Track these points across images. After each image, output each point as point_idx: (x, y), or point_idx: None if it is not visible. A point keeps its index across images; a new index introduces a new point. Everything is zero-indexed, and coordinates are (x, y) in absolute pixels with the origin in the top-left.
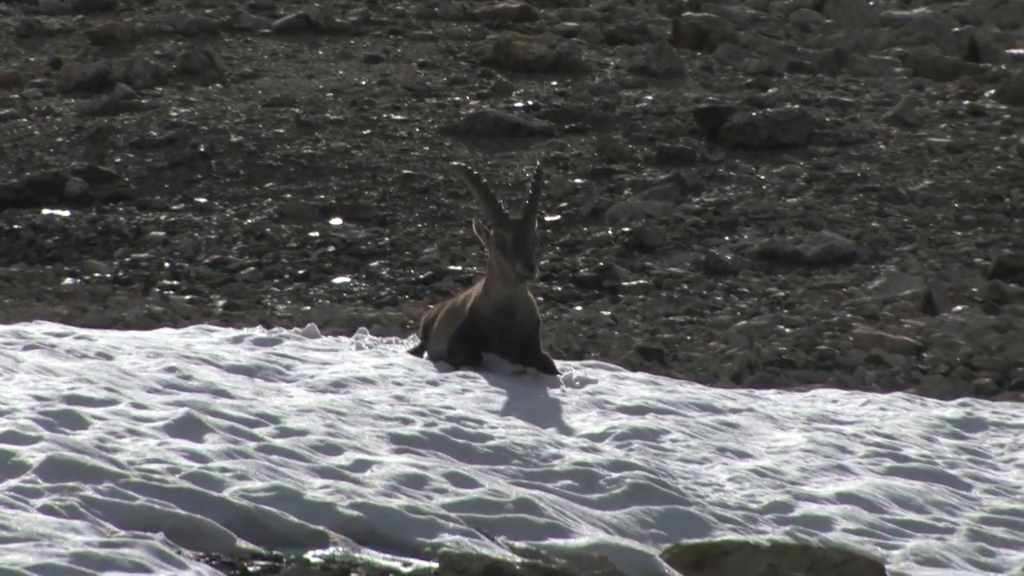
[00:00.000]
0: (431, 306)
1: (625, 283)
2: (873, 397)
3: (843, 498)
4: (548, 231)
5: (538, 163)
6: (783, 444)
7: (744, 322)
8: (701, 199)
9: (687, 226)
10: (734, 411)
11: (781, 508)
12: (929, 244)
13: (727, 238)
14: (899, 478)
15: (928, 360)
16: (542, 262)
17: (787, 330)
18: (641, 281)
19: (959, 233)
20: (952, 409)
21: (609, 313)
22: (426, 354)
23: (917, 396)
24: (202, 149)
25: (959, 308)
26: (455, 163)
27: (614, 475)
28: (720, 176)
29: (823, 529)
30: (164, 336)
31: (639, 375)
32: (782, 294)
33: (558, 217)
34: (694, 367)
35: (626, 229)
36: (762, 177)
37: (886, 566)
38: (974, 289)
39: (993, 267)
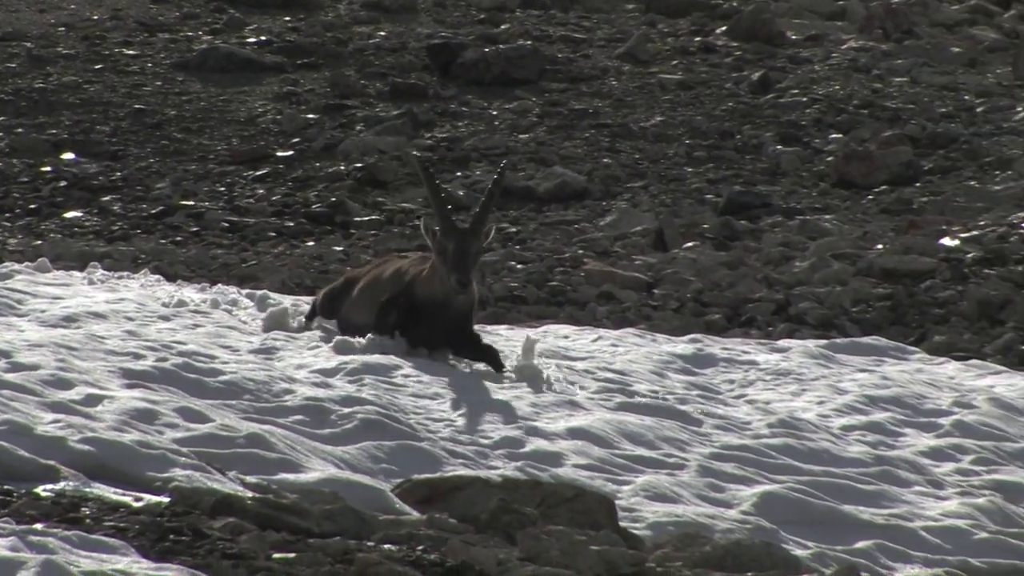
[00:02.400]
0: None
1: (357, 218)
2: (604, 333)
3: (574, 434)
4: (280, 167)
5: (502, 165)
6: (515, 379)
7: None
8: (433, 135)
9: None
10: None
11: (512, 444)
12: (660, 180)
13: (459, 174)
14: (630, 414)
15: (659, 296)
16: (494, 258)
17: (519, 266)
18: (373, 216)
19: (690, 170)
20: (683, 345)
21: (341, 248)
22: (319, 321)
23: (648, 332)
24: None
25: (690, 244)
26: (413, 153)
27: (345, 410)
28: (452, 112)
29: (554, 465)
30: None
31: None
32: (514, 230)
33: (290, 153)
34: None
35: (358, 165)
36: (494, 113)
37: (616, 501)
38: (705, 225)
39: (724, 204)
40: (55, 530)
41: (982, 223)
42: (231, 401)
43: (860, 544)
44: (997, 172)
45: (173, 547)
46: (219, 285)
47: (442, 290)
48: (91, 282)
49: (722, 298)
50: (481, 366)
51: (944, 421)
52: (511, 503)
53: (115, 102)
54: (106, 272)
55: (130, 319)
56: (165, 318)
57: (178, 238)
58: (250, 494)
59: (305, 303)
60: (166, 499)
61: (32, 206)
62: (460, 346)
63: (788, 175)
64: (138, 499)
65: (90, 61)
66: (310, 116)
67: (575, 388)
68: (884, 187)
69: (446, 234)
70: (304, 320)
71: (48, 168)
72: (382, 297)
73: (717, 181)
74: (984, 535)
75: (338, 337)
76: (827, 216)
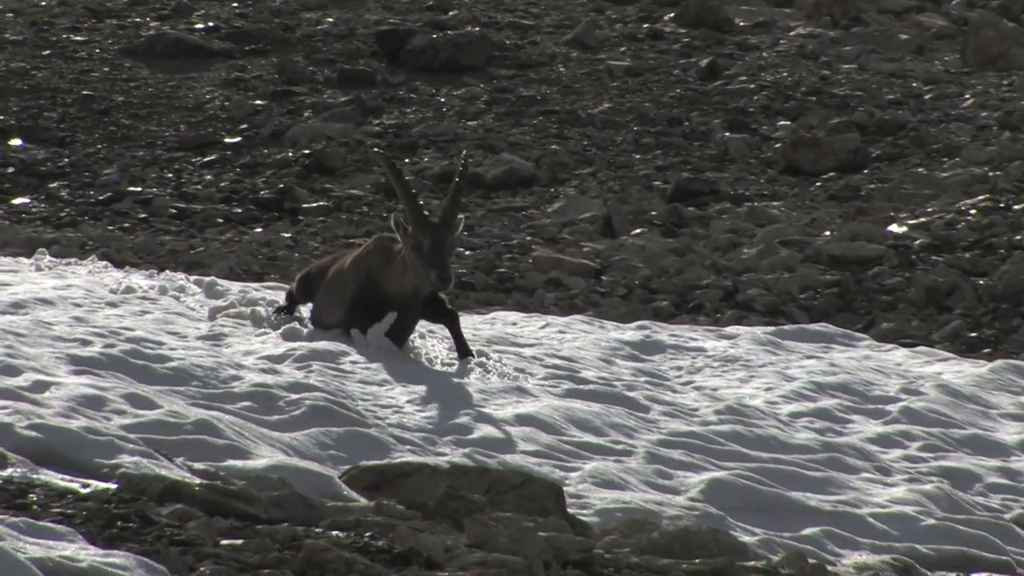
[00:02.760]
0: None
1: (305, 205)
2: (552, 320)
3: (522, 420)
4: (228, 153)
5: (464, 153)
6: (463, 367)
7: None
8: (382, 121)
9: (367, 148)
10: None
11: (460, 430)
12: (608, 167)
13: (407, 160)
14: (577, 400)
15: (607, 283)
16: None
17: (467, 252)
18: (321, 203)
19: (638, 156)
20: (630, 332)
21: (289, 235)
22: (303, 311)
23: (596, 319)
24: None
25: (638, 231)
26: (376, 151)
27: (293, 397)
28: (401, 99)
29: (502, 451)
30: None
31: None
32: (462, 216)
33: (238, 139)
34: None
35: (307, 151)
36: (442, 100)
37: (564, 488)
38: (653, 212)
39: (672, 190)
40: (2, 516)
41: (930, 210)
42: (179, 387)
43: (808, 531)
44: (945, 159)
45: (121, 534)
46: (167, 272)
47: (414, 284)
48: (39, 268)
49: (670, 285)
50: (442, 365)
51: (892, 408)
52: (459, 490)
53: (63, 88)
54: (54, 259)
55: (78, 305)
56: (113, 304)
57: (126, 224)
58: (198, 480)
59: (254, 289)
60: (114, 486)
61: None
62: (432, 319)
63: (736, 162)
64: (86, 485)
65: (38, 47)
66: (258, 102)
67: (523, 375)
68: (832, 174)
69: (420, 230)
70: (278, 313)
71: None
72: (346, 292)
73: (665, 168)
74: (932, 522)
75: (286, 325)
76: (775, 203)
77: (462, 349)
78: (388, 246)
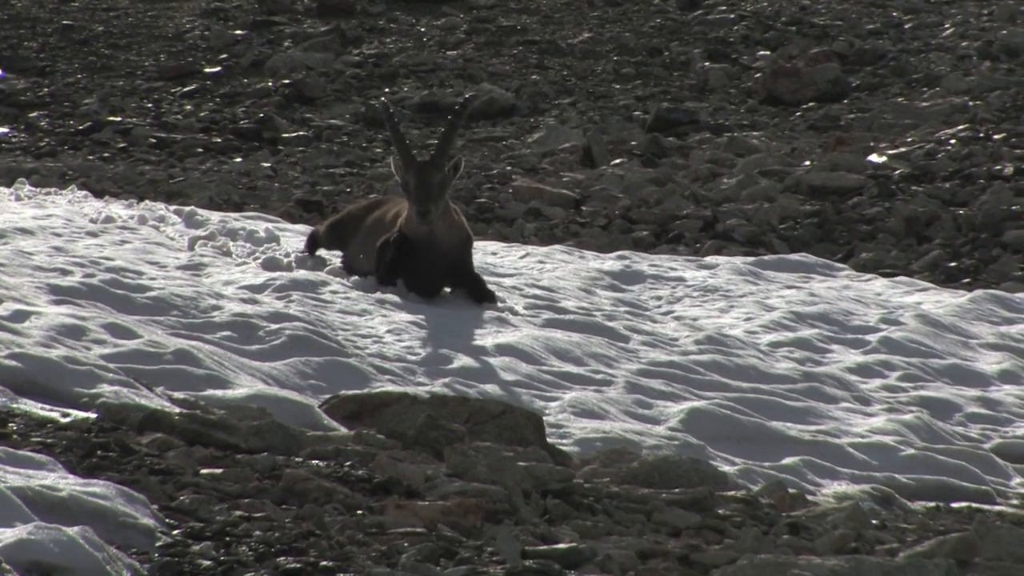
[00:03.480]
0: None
1: (285, 135)
2: (532, 250)
3: (501, 350)
4: (208, 83)
5: (466, 96)
6: (449, 298)
7: None
8: (361, 51)
9: (347, 78)
10: None
11: (440, 360)
12: (588, 97)
13: (387, 90)
14: (558, 330)
15: (587, 213)
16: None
17: None
18: (301, 133)
19: (618, 87)
20: (610, 262)
21: (269, 165)
22: (323, 252)
23: (576, 248)
24: None
25: (618, 161)
26: (380, 100)
27: (273, 326)
28: (380, 28)
29: (482, 381)
30: None
31: (299, 227)
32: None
33: (218, 69)
34: None
35: (286, 81)
36: (422, 29)
37: (544, 417)
38: (633, 142)
39: (651, 120)
40: None
41: (909, 140)
42: (159, 317)
43: (787, 460)
44: (925, 89)
45: (100, 463)
46: (146, 201)
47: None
48: (18, 198)
49: (650, 215)
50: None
51: (871, 338)
52: (438, 419)
53: (43, 18)
54: (33, 188)
55: (57, 235)
56: (93, 234)
57: (105, 154)
58: (177, 410)
59: (233, 219)
60: (93, 415)
61: None
62: (457, 285)
63: (716, 92)
64: (65, 415)
65: None
66: (238, 32)
67: (504, 305)
68: (812, 104)
69: (407, 168)
70: (303, 252)
71: None
72: (377, 240)
73: (645, 98)
74: (911, 451)
75: (267, 255)
76: (755, 133)
77: (485, 295)
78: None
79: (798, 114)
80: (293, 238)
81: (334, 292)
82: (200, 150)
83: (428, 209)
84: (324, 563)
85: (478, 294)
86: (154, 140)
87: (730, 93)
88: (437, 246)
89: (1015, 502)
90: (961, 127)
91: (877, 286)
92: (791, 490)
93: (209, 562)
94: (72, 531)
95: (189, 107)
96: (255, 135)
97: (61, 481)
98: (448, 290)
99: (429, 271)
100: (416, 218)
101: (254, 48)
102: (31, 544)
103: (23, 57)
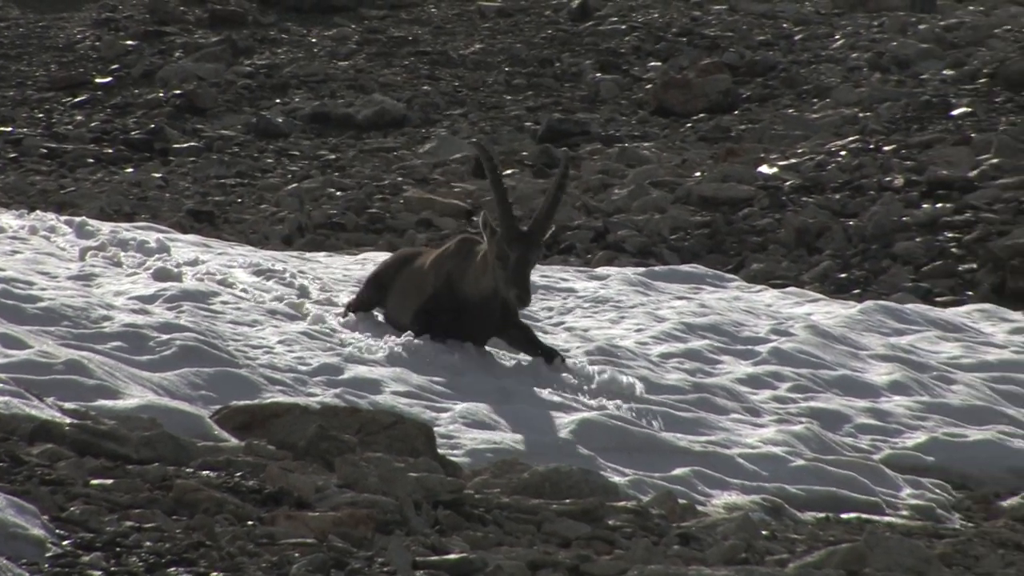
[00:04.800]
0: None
1: (176, 145)
2: None
3: (393, 361)
4: (99, 93)
5: (564, 157)
6: (337, 309)
7: (295, 185)
8: (253, 62)
9: (239, 89)
10: (280, 275)
11: (331, 371)
12: (480, 108)
13: (278, 101)
14: (449, 341)
15: (478, 223)
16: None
17: (338, 193)
18: (192, 143)
19: (509, 97)
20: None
21: (160, 175)
22: (377, 313)
23: None
24: None
25: (509, 172)
26: (475, 141)
27: (164, 337)
28: (272, 39)
29: (373, 392)
30: None
31: (190, 237)
32: (333, 157)
33: (109, 79)
34: (245, 229)
35: (178, 91)
36: (313, 40)
37: (435, 428)
38: (524, 153)
39: (543, 131)
40: None
41: (800, 151)
42: (49, 327)
43: (678, 471)
44: (815, 100)
45: None
46: (37, 212)
47: (491, 288)
48: None
49: None
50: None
51: (762, 349)
52: (329, 430)
53: None
54: None
55: None
56: None
57: None
58: (68, 420)
59: (124, 229)
60: None
61: None
62: (512, 339)
63: (607, 103)
64: None
65: None
66: (129, 43)
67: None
68: (703, 115)
69: (509, 240)
70: (345, 312)
71: None
72: (423, 291)
73: (536, 109)
74: (801, 462)
75: (158, 266)
76: (646, 144)
77: (546, 352)
78: (470, 247)
79: (689, 125)
80: (184, 248)
81: (225, 303)
82: (91, 160)
83: (530, 295)
84: (215, 574)
85: (531, 347)
86: (45, 150)
87: (621, 104)
88: (497, 304)
89: (904, 513)
90: (851, 138)
91: (767, 297)
92: (681, 501)
93: (100, 572)
94: None
95: (80, 117)
96: (146, 146)
97: None
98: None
99: (483, 326)
100: (516, 302)
101: (145, 58)
102: None
103: None
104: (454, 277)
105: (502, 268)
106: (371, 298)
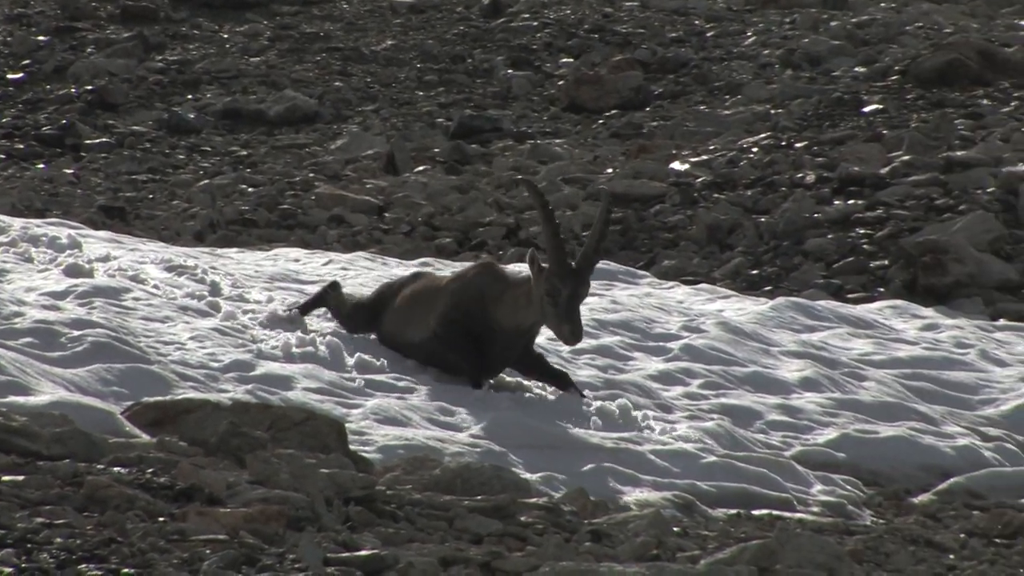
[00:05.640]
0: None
1: (88, 141)
2: (335, 256)
3: (304, 357)
4: (10, 89)
5: (606, 195)
6: (248, 305)
7: (207, 181)
8: (164, 57)
9: (150, 84)
10: (192, 271)
11: (242, 367)
12: (392, 104)
13: (190, 97)
14: (360, 337)
15: (390, 220)
16: None
17: (250, 189)
18: (104, 139)
19: (421, 93)
20: (413, 269)
21: (72, 171)
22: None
23: (379, 256)
24: None
25: (421, 168)
26: (522, 178)
27: (76, 333)
28: (183, 35)
29: (284, 388)
30: None
31: (102, 233)
32: (245, 153)
33: (20, 75)
34: (156, 225)
35: (89, 87)
36: (225, 36)
37: (346, 424)
38: (436, 149)
39: (455, 127)
40: None
41: (712, 148)
42: None
43: (589, 467)
44: (727, 97)
45: None
46: None
47: (531, 321)
48: None
49: (452, 222)
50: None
51: (673, 345)
52: (241, 426)
53: None
54: None
55: None
56: None
57: None
58: None
59: (35, 225)
60: None
61: None
62: (526, 367)
63: (519, 99)
64: None
65: None
66: (40, 38)
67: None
68: (615, 111)
69: (560, 276)
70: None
71: None
72: (439, 309)
73: (448, 105)
74: (712, 459)
75: (69, 262)
76: (558, 140)
77: (562, 379)
78: (500, 273)
79: (601, 122)
80: (95, 245)
81: (137, 299)
82: (2, 156)
83: (582, 331)
84: (126, 570)
85: (546, 374)
86: None
87: (533, 100)
88: (530, 333)
89: (815, 509)
90: (763, 135)
91: (679, 294)
92: (593, 497)
93: (10, 569)
94: None
95: None
96: (58, 141)
97: None
98: None
99: (505, 356)
100: (568, 338)
101: (57, 54)
102: None
103: None
104: (487, 301)
105: (552, 305)
106: (354, 327)
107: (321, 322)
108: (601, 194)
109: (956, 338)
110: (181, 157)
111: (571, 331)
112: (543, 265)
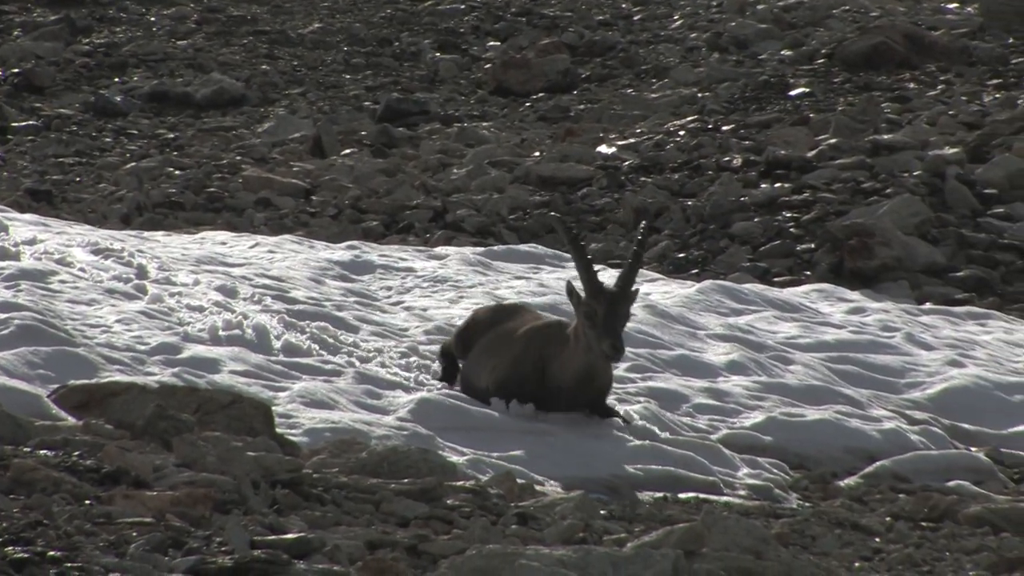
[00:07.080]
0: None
1: (14, 124)
2: (262, 239)
3: (231, 340)
4: None
5: (643, 223)
6: (179, 288)
7: (134, 164)
8: (91, 40)
9: (77, 67)
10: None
11: (169, 350)
12: (318, 87)
13: (117, 80)
14: (287, 319)
15: (317, 203)
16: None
17: (177, 172)
18: (31, 122)
19: (348, 77)
20: (340, 252)
21: None
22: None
23: (306, 239)
24: None
25: (348, 151)
26: (553, 215)
27: (2, 316)
28: (111, 18)
29: (211, 371)
30: None
31: (28, 216)
32: (172, 136)
33: None
34: (83, 208)
35: (16, 70)
36: (153, 19)
37: (273, 407)
38: (363, 132)
39: (381, 110)
40: None
41: (639, 131)
42: None
43: (516, 451)
44: (654, 80)
45: None
46: None
47: (581, 363)
48: None
49: (380, 205)
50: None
51: None
52: (167, 409)
53: None
54: None
55: None
56: None
57: None
58: None
59: None
60: None
61: None
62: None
63: (446, 82)
64: None
65: None
66: None
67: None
68: (542, 94)
69: (595, 297)
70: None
71: None
72: (507, 357)
73: (375, 88)
74: (639, 442)
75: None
76: (485, 123)
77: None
78: (562, 332)
79: (528, 105)
80: (22, 228)
81: (63, 282)
82: None
83: (621, 344)
84: (52, 553)
85: (602, 410)
86: None
87: (460, 84)
88: (590, 382)
89: (742, 493)
90: (690, 118)
91: (605, 277)
92: (520, 480)
93: None
94: None
95: None
96: None
97: None
98: None
99: (570, 407)
100: (608, 351)
101: None
102: None
103: None
104: (547, 360)
105: (591, 327)
106: (460, 351)
107: (248, 305)
108: (641, 220)
109: (882, 321)
110: (108, 140)
111: (611, 344)
112: (581, 295)
